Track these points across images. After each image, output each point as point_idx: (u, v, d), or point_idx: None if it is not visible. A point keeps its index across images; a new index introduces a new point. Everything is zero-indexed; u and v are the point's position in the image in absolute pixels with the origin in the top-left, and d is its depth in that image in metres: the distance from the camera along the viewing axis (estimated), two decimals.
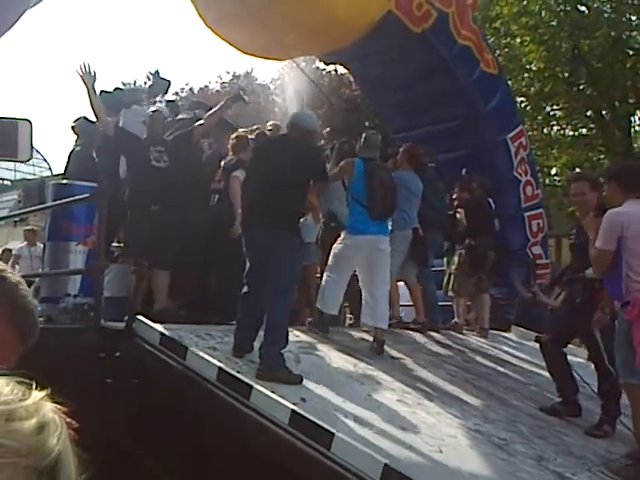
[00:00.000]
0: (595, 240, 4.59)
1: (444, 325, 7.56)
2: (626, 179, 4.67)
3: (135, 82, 26.09)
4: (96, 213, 5.41)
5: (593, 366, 5.41)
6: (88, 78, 5.87)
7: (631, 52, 16.12)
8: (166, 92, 8.03)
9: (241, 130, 6.85)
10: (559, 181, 17.44)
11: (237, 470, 4.03)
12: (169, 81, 8.45)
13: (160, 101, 7.34)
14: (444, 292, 7.78)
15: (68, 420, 0.82)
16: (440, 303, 7.59)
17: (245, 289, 4.83)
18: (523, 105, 16.34)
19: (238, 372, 4.28)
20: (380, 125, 14.05)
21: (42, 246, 7.48)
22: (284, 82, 16.82)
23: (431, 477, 3.65)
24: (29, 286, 1.84)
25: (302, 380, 4.46)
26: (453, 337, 7.32)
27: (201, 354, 4.42)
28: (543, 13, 15.96)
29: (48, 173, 24.71)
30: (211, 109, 6.87)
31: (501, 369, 6.56)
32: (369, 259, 5.87)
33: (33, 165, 26.77)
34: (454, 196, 7.92)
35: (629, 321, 4.41)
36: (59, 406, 0.80)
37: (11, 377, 0.80)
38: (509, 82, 12.15)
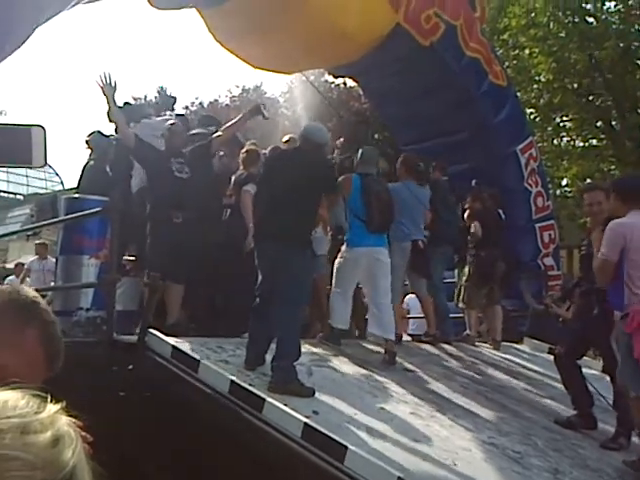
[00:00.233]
0: (599, 251, 4.56)
1: (456, 337, 7.53)
2: (627, 191, 4.66)
3: (145, 97, 26.34)
4: (108, 227, 5.43)
5: (608, 378, 5.35)
6: (108, 89, 5.75)
7: None
8: (172, 109, 8.06)
9: (249, 143, 6.85)
10: (570, 192, 17.37)
11: None
12: (175, 98, 8.51)
13: (170, 115, 7.37)
14: (455, 304, 7.76)
15: (83, 434, 0.82)
16: (452, 315, 7.56)
17: (257, 302, 4.82)
18: (533, 116, 16.34)
19: (250, 385, 4.26)
20: (389, 138, 14.07)
21: (53, 260, 7.53)
22: (293, 96, 16.91)
23: None
24: None
25: (314, 393, 4.43)
26: (465, 349, 7.28)
27: (213, 367, 4.41)
28: (551, 25, 16.00)
29: (60, 187, 24.95)
30: (221, 123, 6.89)
31: (514, 381, 6.50)
32: (369, 270, 5.92)
33: (45, 180, 27.07)
34: (466, 206, 7.90)
35: (629, 333, 4.36)
36: (74, 419, 0.80)
37: (26, 390, 0.80)
38: (518, 93, 12.15)
